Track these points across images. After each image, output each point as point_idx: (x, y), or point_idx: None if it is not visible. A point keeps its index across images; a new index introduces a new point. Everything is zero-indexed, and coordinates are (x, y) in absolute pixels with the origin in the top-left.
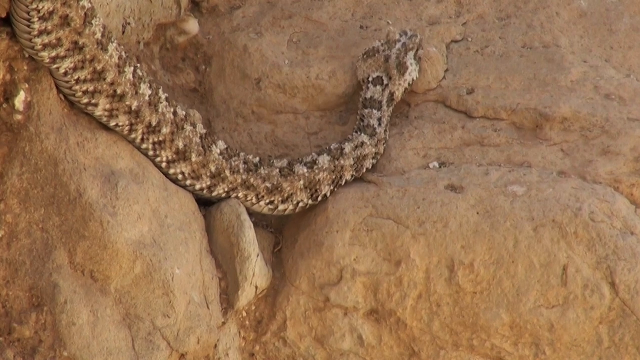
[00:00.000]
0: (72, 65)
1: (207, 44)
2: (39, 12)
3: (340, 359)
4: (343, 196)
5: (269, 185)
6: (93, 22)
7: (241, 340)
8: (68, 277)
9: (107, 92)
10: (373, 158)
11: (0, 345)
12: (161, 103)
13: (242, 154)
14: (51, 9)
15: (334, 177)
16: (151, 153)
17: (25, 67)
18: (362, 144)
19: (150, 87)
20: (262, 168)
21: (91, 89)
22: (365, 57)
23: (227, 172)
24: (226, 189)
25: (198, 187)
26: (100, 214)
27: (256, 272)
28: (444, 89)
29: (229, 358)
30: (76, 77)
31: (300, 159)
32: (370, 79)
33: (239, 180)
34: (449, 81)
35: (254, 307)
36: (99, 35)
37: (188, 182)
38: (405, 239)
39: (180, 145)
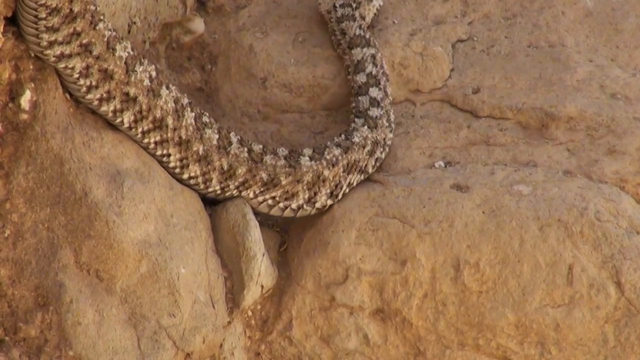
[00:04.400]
0: (132, 117)
1: (212, 43)
2: (73, 69)
3: (345, 358)
4: (348, 195)
5: (369, 148)
6: (137, 69)
7: (247, 340)
8: (73, 276)
9: (173, 139)
10: (381, 59)
11: (6, 344)
12: (232, 145)
13: (329, 143)
14: (84, 65)
15: (387, 117)
16: (236, 194)
17: (31, 67)
18: (372, 56)
19: (218, 132)
20: (355, 136)
21: (158, 138)
22: None
23: (326, 172)
24: (328, 190)
25: (295, 205)
26: (106, 213)
27: (262, 271)
28: (449, 88)
29: (234, 357)
30: (141, 130)
31: (364, 118)
32: (337, 5)
33: (341, 169)
34: (454, 80)
35: (259, 307)
36: (147, 82)
37: (281, 205)
38: (410, 238)
39: (265, 176)
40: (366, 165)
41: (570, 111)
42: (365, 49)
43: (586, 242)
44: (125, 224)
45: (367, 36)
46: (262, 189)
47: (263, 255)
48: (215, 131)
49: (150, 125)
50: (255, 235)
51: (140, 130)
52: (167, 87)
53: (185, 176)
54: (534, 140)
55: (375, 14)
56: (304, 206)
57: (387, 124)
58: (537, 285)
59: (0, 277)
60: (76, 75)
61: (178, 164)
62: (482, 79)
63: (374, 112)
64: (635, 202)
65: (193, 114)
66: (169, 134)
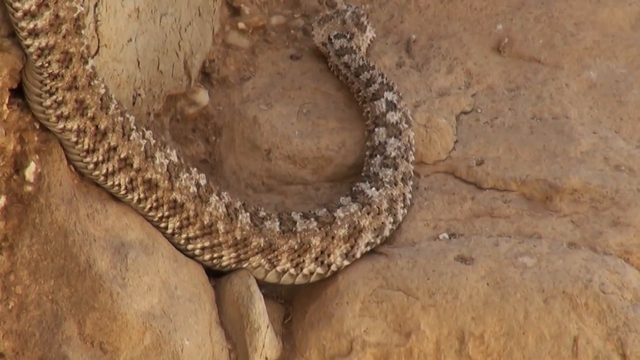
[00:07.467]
0: (178, 224)
1: (217, 114)
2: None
3: None
4: (353, 267)
5: (405, 156)
6: (181, 175)
7: None
8: (77, 348)
9: (227, 242)
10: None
11: None
12: (296, 224)
13: (372, 168)
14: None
15: (405, 118)
16: (292, 271)
17: (36, 138)
18: (381, 74)
19: (279, 219)
20: (389, 151)
21: (207, 244)
22: (320, 22)
23: (394, 192)
24: (402, 204)
25: (388, 232)
26: (110, 285)
27: (266, 344)
28: (453, 160)
29: None
30: (185, 236)
31: (385, 126)
32: (332, 36)
33: (401, 184)
34: (458, 152)
35: None
36: (193, 189)
37: (379, 241)
38: (415, 310)
39: (344, 231)
40: (410, 171)
41: (574, 183)
42: (372, 71)
43: (591, 314)
44: (130, 295)
45: (371, 64)
46: (351, 244)
47: (267, 327)
48: (276, 220)
49: (198, 232)
50: (259, 307)
51: (184, 236)
52: (218, 194)
53: (245, 265)
54: (538, 212)
55: (368, 45)
56: (393, 227)
57: (407, 126)
58: (542, 357)
59: (4, 349)
60: (123, 192)
61: (233, 260)
62: (486, 151)
63: (393, 116)
64: None
65: (248, 213)
66: (220, 238)
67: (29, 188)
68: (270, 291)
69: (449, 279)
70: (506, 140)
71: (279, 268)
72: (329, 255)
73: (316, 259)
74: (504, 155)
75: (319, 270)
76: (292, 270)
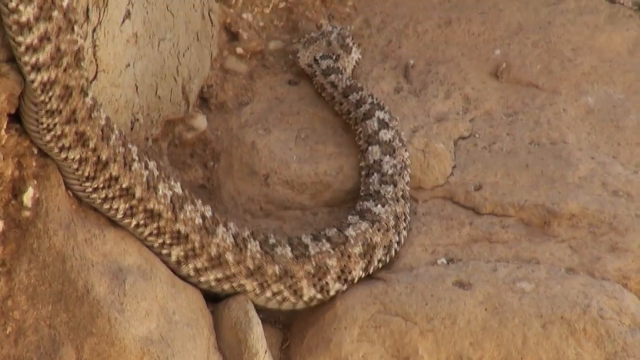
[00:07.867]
0: (182, 253)
1: (215, 140)
2: (117, 210)
3: None
4: (351, 292)
5: (402, 173)
6: (185, 207)
7: None
8: None
9: (241, 272)
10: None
11: None
12: (308, 247)
13: (371, 187)
14: (128, 206)
15: (398, 136)
16: (319, 296)
17: (34, 163)
18: (371, 95)
19: (290, 244)
20: (386, 169)
21: (220, 275)
22: (306, 44)
23: (399, 209)
24: (405, 223)
25: (397, 247)
26: (108, 310)
27: None
28: (451, 185)
29: None
30: (192, 266)
31: (378, 144)
32: (318, 57)
33: (402, 201)
34: (456, 177)
35: None
36: (199, 222)
37: (393, 254)
38: (413, 335)
39: (359, 249)
40: (406, 191)
41: (572, 208)
42: (361, 92)
43: (589, 340)
44: (127, 321)
45: (359, 85)
46: (367, 260)
47: (265, 352)
48: (286, 245)
49: (206, 264)
50: (257, 333)
51: (191, 266)
52: (225, 225)
53: (269, 294)
54: (536, 237)
55: (354, 67)
56: (397, 247)
57: (400, 144)
58: None
59: None
60: (120, 216)
61: (257, 290)
62: (484, 176)
63: (385, 134)
64: (638, 299)
65: (257, 242)
66: (232, 269)
67: (27, 213)
68: (268, 316)
69: (447, 304)
70: (504, 165)
71: (305, 297)
72: (350, 273)
73: (339, 278)
74: (502, 181)
75: (344, 288)
76: (319, 296)
